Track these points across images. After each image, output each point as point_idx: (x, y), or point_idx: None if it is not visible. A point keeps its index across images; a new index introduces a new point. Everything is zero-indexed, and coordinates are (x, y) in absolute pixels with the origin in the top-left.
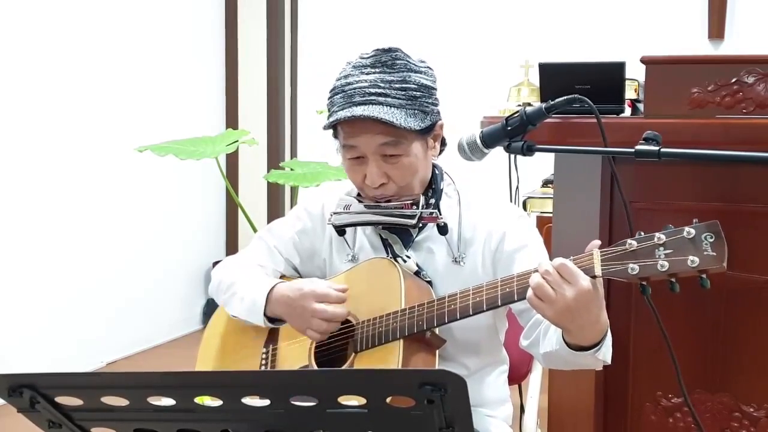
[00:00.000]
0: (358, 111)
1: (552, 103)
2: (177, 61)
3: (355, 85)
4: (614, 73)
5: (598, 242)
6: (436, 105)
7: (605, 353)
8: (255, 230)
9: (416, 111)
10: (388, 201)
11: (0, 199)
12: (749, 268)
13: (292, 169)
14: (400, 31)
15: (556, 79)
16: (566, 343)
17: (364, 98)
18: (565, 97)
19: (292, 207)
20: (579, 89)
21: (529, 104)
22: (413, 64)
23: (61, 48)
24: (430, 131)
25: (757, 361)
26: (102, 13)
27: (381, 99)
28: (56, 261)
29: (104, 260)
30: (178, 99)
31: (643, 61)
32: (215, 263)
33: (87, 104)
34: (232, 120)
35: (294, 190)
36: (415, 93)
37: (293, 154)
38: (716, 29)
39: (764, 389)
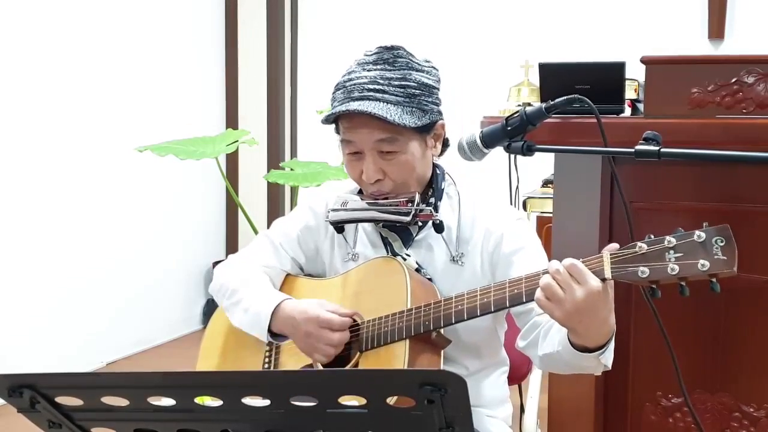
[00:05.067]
0: (354, 106)
1: (552, 103)
2: (177, 61)
3: (355, 81)
4: (614, 73)
5: (615, 246)
6: (437, 104)
7: (608, 357)
8: (255, 230)
9: (414, 109)
10: (386, 198)
11: (0, 199)
12: (749, 268)
13: (292, 169)
14: (400, 31)
15: (556, 79)
16: (571, 343)
17: (362, 94)
18: (565, 97)
19: (292, 207)
20: (579, 89)
21: (529, 104)
22: (416, 62)
23: (61, 48)
24: (429, 130)
25: (757, 361)
26: (102, 13)
27: (378, 95)
28: (56, 261)
29: (104, 260)
30: (178, 99)
31: (643, 61)
32: (215, 263)
33: (87, 104)
34: (232, 120)
35: (294, 190)
36: (414, 91)
37: (293, 154)
38: (716, 29)
39: (764, 389)
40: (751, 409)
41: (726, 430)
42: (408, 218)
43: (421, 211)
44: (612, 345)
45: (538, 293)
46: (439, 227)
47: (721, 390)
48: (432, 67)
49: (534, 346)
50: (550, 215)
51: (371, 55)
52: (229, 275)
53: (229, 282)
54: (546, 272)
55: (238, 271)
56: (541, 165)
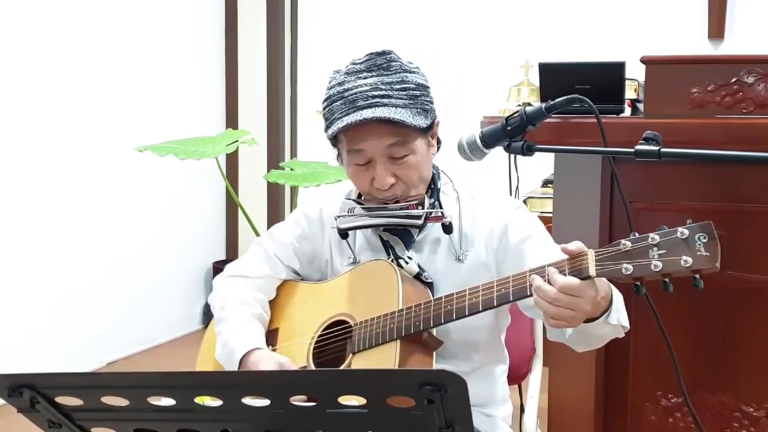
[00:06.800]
0: (368, 114)
1: (552, 103)
2: (177, 61)
3: (355, 90)
4: (614, 73)
5: (578, 243)
6: (433, 103)
7: (619, 317)
8: (255, 230)
9: (419, 110)
10: (397, 201)
11: (0, 198)
12: (749, 268)
13: (292, 169)
14: (400, 31)
15: (556, 79)
16: None
17: (368, 101)
18: (565, 97)
19: (292, 207)
20: (579, 89)
21: (529, 104)
22: (406, 65)
23: (61, 48)
24: (430, 129)
25: (757, 361)
26: (102, 13)
27: (385, 100)
28: (56, 261)
29: (104, 260)
30: (178, 99)
31: (643, 61)
32: (215, 263)
33: (87, 104)
34: (232, 120)
35: (294, 190)
36: (415, 92)
37: (293, 154)
38: (716, 29)
39: (764, 389)
40: (751, 409)
41: (726, 430)
42: (420, 221)
43: (433, 213)
44: (617, 304)
45: (551, 321)
46: (448, 228)
47: (721, 390)
48: (417, 67)
49: (562, 334)
50: (550, 215)
51: (361, 63)
52: (222, 297)
53: (220, 302)
54: (531, 272)
55: (230, 297)
56: (541, 165)
